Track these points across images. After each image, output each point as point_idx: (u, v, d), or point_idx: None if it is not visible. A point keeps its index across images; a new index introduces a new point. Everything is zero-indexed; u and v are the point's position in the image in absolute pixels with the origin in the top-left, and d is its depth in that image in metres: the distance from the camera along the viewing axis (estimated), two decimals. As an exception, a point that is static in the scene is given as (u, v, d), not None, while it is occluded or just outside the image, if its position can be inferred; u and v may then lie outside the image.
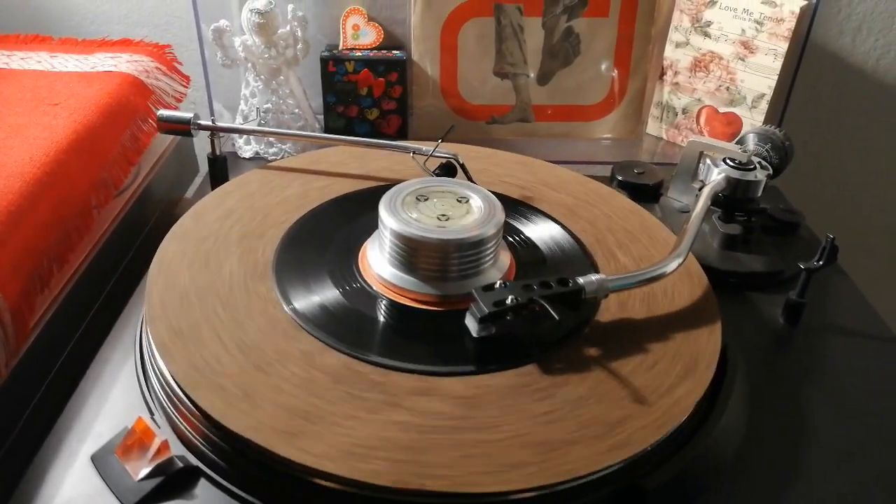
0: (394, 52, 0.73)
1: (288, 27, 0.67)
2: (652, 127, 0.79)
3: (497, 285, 0.42)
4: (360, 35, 0.73)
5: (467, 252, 0.44)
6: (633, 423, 0.37)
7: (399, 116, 0.74)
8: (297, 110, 0.70)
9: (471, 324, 0.41)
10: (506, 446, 0.35)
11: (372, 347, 0.41)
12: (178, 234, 0.49)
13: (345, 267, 0.47)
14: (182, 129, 0.57)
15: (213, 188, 0.58)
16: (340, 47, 0.73)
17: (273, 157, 0.69)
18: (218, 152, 0.60)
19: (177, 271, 0.45)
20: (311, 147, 0.65)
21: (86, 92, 0.55)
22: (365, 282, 0.46)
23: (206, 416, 0.36)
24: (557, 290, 0.42)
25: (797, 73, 0.69)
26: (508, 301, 0.40)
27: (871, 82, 0.82)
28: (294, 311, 0.43)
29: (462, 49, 0.73)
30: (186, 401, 0.37)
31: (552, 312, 0.39)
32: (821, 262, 0.50)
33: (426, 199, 0.47)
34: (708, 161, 0.59)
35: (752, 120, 0.71)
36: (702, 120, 0.75)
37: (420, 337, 0.42)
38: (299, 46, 0.68)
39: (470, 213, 0.46)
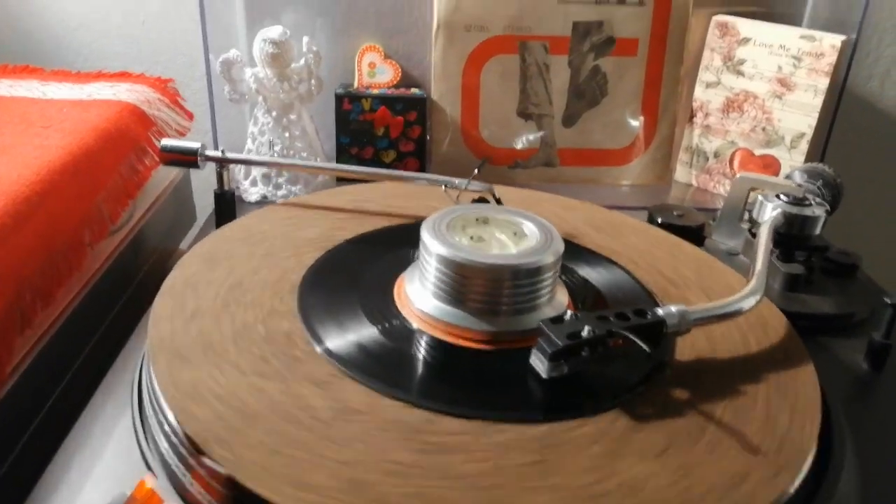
0: (413, 90, 0.69)
1: (302, 61, 0.63)
2: (681, 173, 0.75)
3: (567, 317, 0.36)
4: (376, 73, 0.70)
5: (523, 282, 0.38)
6: (756, 476, 0.30)
7: (417, 159, 0.70)
8: (310, 148, 0.65)
9: (538, 363, 0.35)
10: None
11: (425, 391, 0.34)
12: (188, 269, 0.42)
13: (380, 302, 0.41)
14: (188, 160, 0.52)
15: (218, 226, 0.52)
16: (355, 86, 0.70)
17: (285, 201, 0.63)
18: (226, 187, 0.55)
19: (186, 309, 0.39)
20: (325, 188, 0.60)
21: (82, 116, 0.50)
22: (405, 318, 0.39)
23: (230, 480, 0.29)
24: (636, 321, 0.36)
25: (837, 110, 0.66)
26: (584, 333, 0.34)
27: (901, 129, 0.80)
28: (327, 351, 0.36)
29: (484, 88, 0.70)
30: (205, 461, 0.30)
31: (641, 344, 0.33)
32: (910, 297, 0.45)
33: (473, 226, 0.41)
34: (760, 198, 0.55)
35: (792, 161, 0.68)
36: (736, 163, 0.71)
37: (471, 379, 0.36)
38: (313, 82, 0.64)
39: (524, 240, 0.41)
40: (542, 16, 0.68)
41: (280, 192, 0.64)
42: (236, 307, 0.39)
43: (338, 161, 0.69)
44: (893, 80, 0.78)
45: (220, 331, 0.37)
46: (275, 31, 0.62)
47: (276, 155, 0.64)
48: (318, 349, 0.36)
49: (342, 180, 0.63)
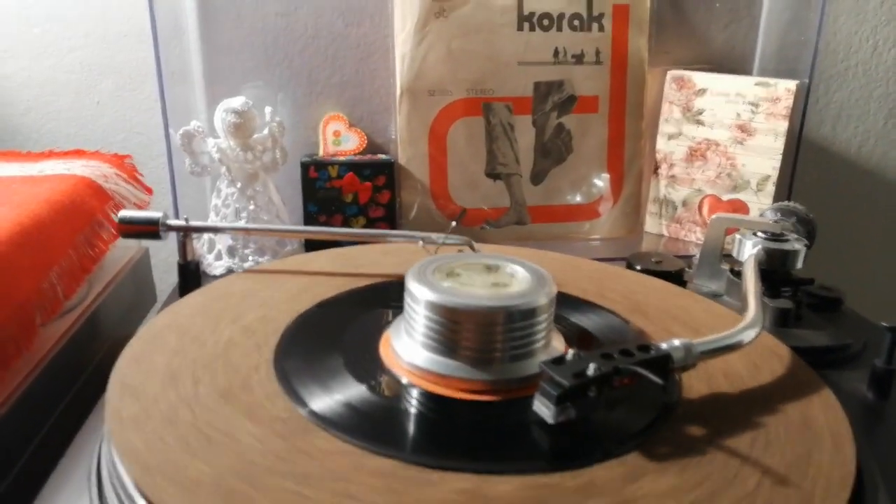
0: (380, 155, 0.69)
1: (266, 130, 0.62)
2: (651, 224, 0.75)
3: (569, 357, 0.33)
4: (341, 141, 0.69)
5: (518, 325, 0.36)
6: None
7: (388, 224, 0.68)
8: (276, 220, 0.63)
9: (543, 408, 0.32)
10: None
11: (419, 447, 0.31)
12: (151, 341, 0.39)
13: (365, 361, 0.38)
14: (148, 230, 0.49)
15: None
16: (321, 154, 0.69)
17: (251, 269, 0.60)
18: (190, 257, 0.52)
19: (150, 387, 0.35)
20: (296, 252, 0.57)
21: (32, 190, 0.47)
22: (393, 373, 0.36)
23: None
24: (641, 356, 0.34)
25: (798, 152, 0.68)
26: (590, 372, 0.32)
27: (855, 169, 0.81)
28: (313, 414, 0.33)
29: (451, 151, 0.70)
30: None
31: (652, 377, 0.31)
32: (907, 320, 0.43)
33: (459, 274, 0.39)
34: (738, 236, 0.55)
35: (759, 204, 0.68)
36: (705, 210, 0.72)
37: (470, 432, 0.33)
38: (277, 152, 0.63)
39: (515, 283, 0.38)
40: (503, 78, 0.69)
41: (246, 265, 0.61)
42: (207, 380, 0.36)
43: (306, 229, 0.67)
44: (844, 123, 0.80)
45: (191, 408, 0.33)
46: (237, 101, 0.61)
47: (243, 224, 0.61)
48: (303, 412, 0.33)
49: (311, 248, 0.60)
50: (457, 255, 0.42)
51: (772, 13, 0.73)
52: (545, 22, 0.68)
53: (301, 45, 0.68)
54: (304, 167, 0.66)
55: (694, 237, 0.72)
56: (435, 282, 0.37)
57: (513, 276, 0.39)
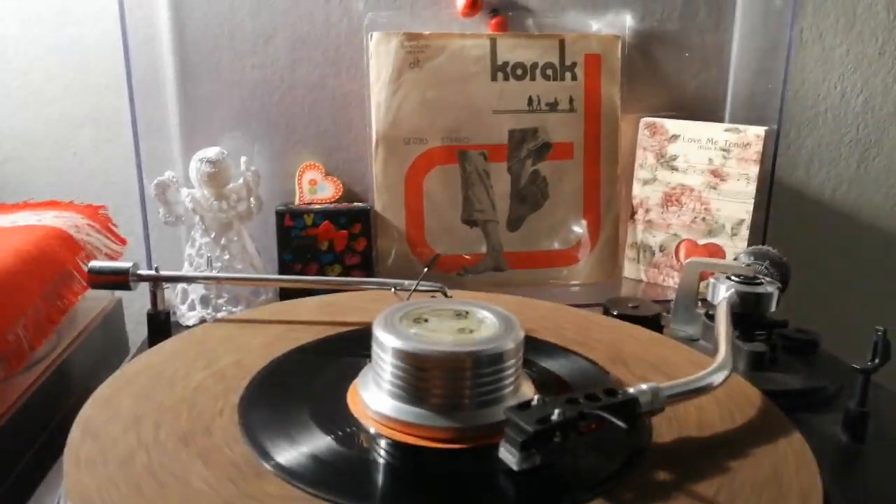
0: (356, 203, 0.70)
1: (241, 179, 0.63)
2: (630, 269, 0.76)
3: (534, 402, 0.33)
4: (317, 190, 0.70)
5: (486, 370, 0.36)
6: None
7: (363, 272, 0.69)
8: (251, 269, 0.63)
9: (508, 455, 0.32)
10: None
11: (388, 497, 0.31)
12: (110, 397, 0.39)
13: (332, 411, 0.38)
14: (118, 281, 0.49)
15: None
16: (297, 203, 0.69)
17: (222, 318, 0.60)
18: (160, 307, 0.52)
19: (111, 444, 0.34)
20: (271, 301, 0.58)
21: (2, 242, 0.47)
22: (361, 423, 0.36)
23: None
24: (607, 401, 0.34)
25: (771, 196, 0.69)
26: (555, 417, 0.32)
27: (829, 213, 0.83)
28: (278, 467, 0.33)
29: (428, 198, 0.71)
30: None
31: (616, 421, 0.31)
32: (877, 361, 0.44)
33: (428, 319, 0.40)
34: (712, 280, 0.56)
35: (735, 248, 0.69)
36: (681, 254, 0.72)
37: (437, 480, 0.33)
38: (252, 201, 0.64)
39: (482, 328, 0.39)
40: (478, 126, 0.70)
41: (220, 315, 0.61)
42: (169, 423, 0.35)
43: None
44: (816, 168, 0.82)
45: (148, 451, 0.33)
46: (211, 151, 0.62)
47: (216, 270, 0.61)
48: (268, 466, 0.33)
49: (286, 296, 0.61)
50: (427, 301, 0.43)
51: (740, 63, 0.75)
52: (518, 72, 0.70)
53: (278, 96, 0.70)
54: (280, 216, 0.67)
55: (672, 282, 0.73)
56: (402, 329, 0.37)
57: (481, 322, 0.39)
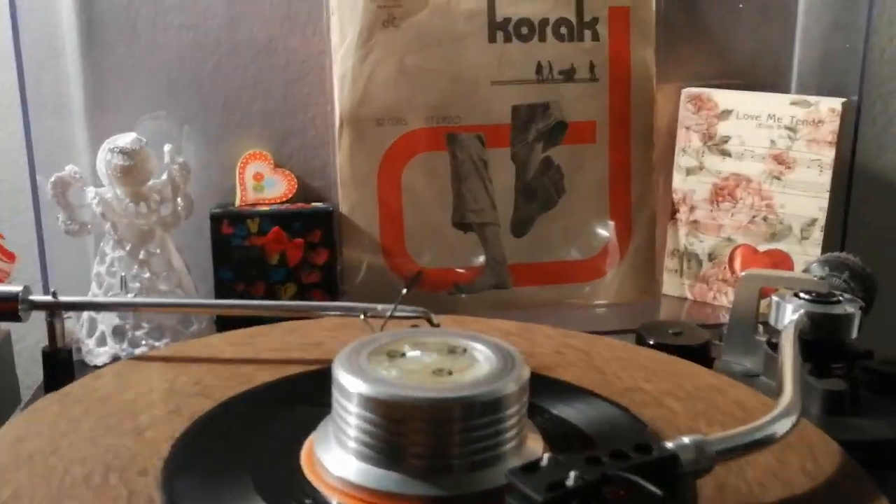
0: (314, 204, 0.70)
1: (164, 175, 0.63)
2: (671, 284, 0.77)
3: (544, 462, 0.33)
4: (264, 186, 0.70)
5: (481, 421, 0.36)
6: None
7: (325, 292, 0.69)
8: (179, 291, 0.63)
9: (511, 531, 0.32)
10: None
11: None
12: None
13: (281, 477, 0.38)
14: (4, 309, 0.49)
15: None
16: (238, 203, 0.70)
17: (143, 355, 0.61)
18: (60, 343, 0.52)
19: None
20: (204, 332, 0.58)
21: None
22: (319, 492, 0.37)
23: None
24: (639, 459, 0.34)
25: (851, 188, 0.70)
26: (570, 482, 0.32)
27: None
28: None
29: (408, 196, 0.71)
30: None
31: (649, 487, 0.31)
32: None
33: (405, 357, 0.40)
34: (776, 298, 0.56)
35: (806, 255, 0.70)
36: (737, 264, 0.73)
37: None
38: (179, 202, 0.64)
39: (476, 366, 0.39)
40: (471, 101, 0.71)
41: (138, 351, 0.61)
42: None
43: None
44: (909, 150, 0.83)
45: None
46: (126, 139, 0.62)
47: (132, 293, 0.62)
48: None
49: (225, 326, 0.61)
50: (406, 331, 0.43)
51: (810, 14, 0.76)
52: (524, 30, 0.71)
53: (213, 65, 0.70)
54: (216, 221, 0.67)
55: (725, 300, 0.73)
56: (371, 368, 0.37)
57: (475, 358, 0.40)
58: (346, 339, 0.49)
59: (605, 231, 0.75)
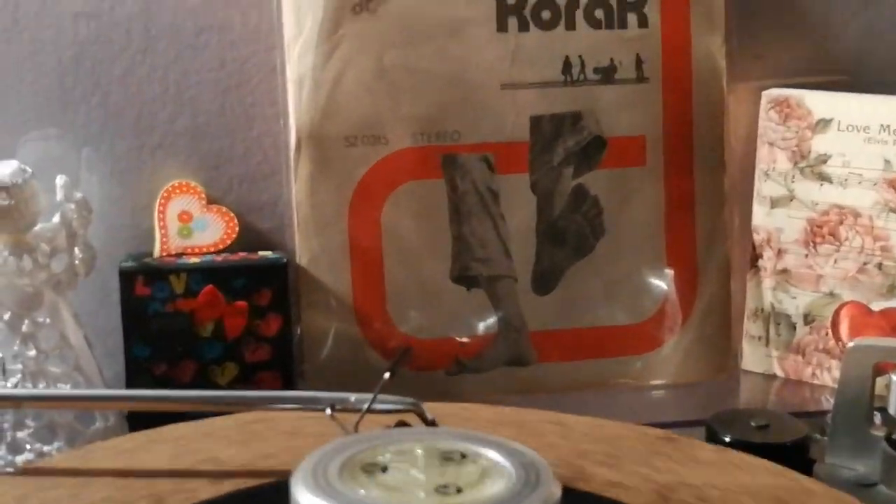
0: (262, 253, 0.71)
1: (56, 217, 0.64)
2: (753, 357, 0.77)
3: None
4: (193, 230, 0.71)
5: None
6: None
7: (277, 373, 0.70)
8: (76, 374, 0.64)
9: None
10: None
11: None
12: None
13: None
14: None
15: None
16: (157, 254, 0.70)
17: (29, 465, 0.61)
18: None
19: None
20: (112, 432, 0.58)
21: None
22: None
23: None
24: None
25: None
26: None
27: None
28: None
29: (391, 239, 0.72)
30: None
31: None
32: None
33: (386, 470, 0.40)
34: (895, 380, 0.57)
35: (937, 317, 0.70)
36: (844, 329, 0.73)
37: None
38: (77, 253, 0.64)
39: (487, 482, 0.39)
40: (475, 112, 0.72)
41: (21, 458, 0.62)
42: None
43: (129, 386, 0.68)
44: None
45: None
46: (3, 169, 0.62)
47: (11, 387, 0.62)
48: None
49: (140, 423, 0.61)
50: (389, 433, 0.43)
51: (934, -11, 0.77)
52: (545, 15, 0.72)
53: (124, 66, 0.71)
54: (128, 278, 0.67)
55: (828, 378, 0.73)
56: (342, 488, 0.38)
57: (484, 470, 0.40)
58: (308, 445, 0.49)
59: (661, 285, 0.75)
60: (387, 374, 0.51)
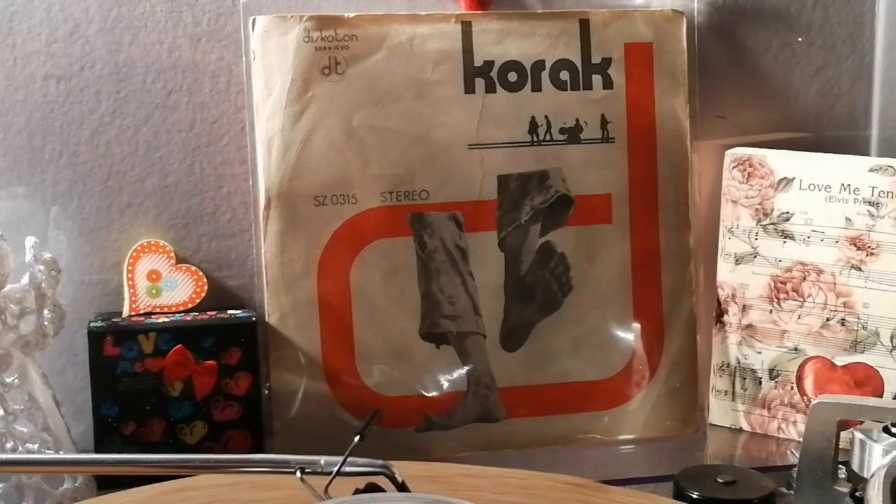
0: (231, 312, 0.71)
1: (25, 277, 0.64)
2: (719, 411, 0.77)
3: None
4: (162, 289, 0.71)
5: None
6: None
7: (247, 433, 0.70)
8: (45, 435, 0.63)
9: None
10: None
11: None
12: None
13: None
14: None
15: None
16: (126, 312, 0.70)
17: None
18: None
19: None
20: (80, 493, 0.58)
21: None
22: None
23: None
24: None
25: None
26: None
27: None
28: None
29: (360, 298, 0.72)
30: None
31: None
32: None
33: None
34: (859, 436, 0.57)
35: (900, 370, 0.71)
36: (808, 384, 0.74)
37: None
38: (45, 313, 0.64)
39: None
40: (443, 171, 0.72)
41: (-13, 525, 0.61)
42: None
43: (98, 450, 0.68)
44: None
45: None
46: (-29, 229, 0.62)
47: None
48: None
49: (108, 484, 0.61)
50: (360, 498, 0.43)
51: (893, 50, 0.78)
52: (512, 76, 0.73)
53: (93, 126, 0.71)
54: (96, 338, 0.67)
55: (794, 431, 0.74)
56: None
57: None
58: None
59: (628, 340, 0.75)
60: (357, 438, 0.52)
